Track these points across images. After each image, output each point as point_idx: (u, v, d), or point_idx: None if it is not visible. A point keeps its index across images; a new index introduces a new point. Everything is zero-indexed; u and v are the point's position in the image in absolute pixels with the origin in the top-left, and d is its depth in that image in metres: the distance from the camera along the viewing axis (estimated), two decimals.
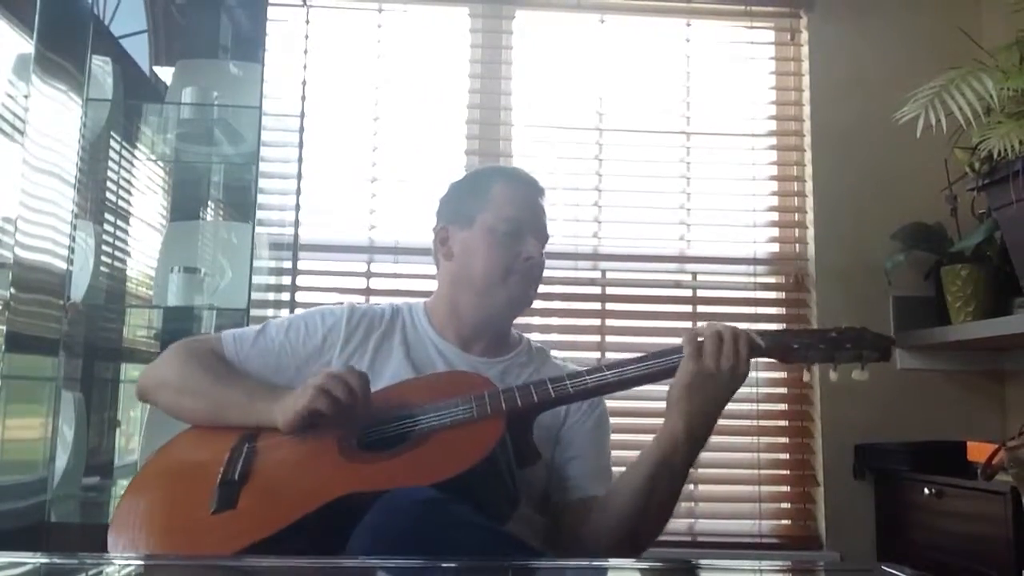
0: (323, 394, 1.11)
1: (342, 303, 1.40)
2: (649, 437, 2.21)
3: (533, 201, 1.38)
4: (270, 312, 2.30)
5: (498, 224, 1.32)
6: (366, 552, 0.91)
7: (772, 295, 2.42)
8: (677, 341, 2.33)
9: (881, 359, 1.15)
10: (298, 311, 2.27)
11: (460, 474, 1.03)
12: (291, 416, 1.13)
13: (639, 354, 1.20)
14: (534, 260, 1.33)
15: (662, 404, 2.31)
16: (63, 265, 1.92)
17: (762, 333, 1.17)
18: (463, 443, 1.09)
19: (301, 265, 2.31)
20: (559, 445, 1.33)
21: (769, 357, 1.18)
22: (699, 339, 1.12)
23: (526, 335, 1.49)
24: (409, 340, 1.35)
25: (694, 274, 2.39)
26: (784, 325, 2.36)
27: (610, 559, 1.20)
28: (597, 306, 2.36)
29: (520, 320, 2.25)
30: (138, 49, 2.32)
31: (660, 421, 2.19)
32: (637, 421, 2.15)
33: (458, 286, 1.36)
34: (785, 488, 2.31)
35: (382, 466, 1.08)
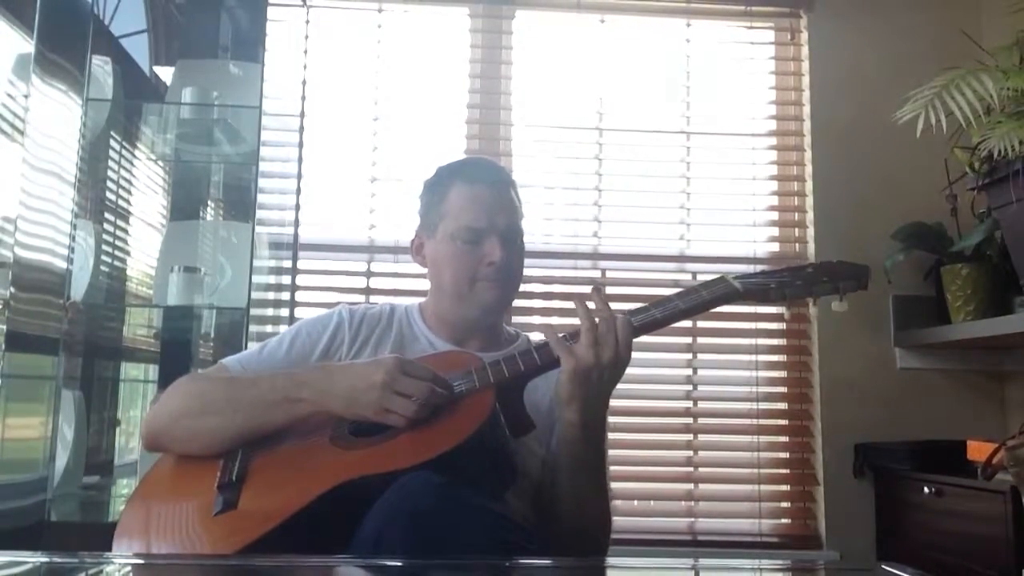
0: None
1: (336, 307, 1.38)
2: (649, 437, 2.20)
3: (494, 198, 1.32)
4: (270, 311, 2.30)
5: (457, 233, 1.29)
6: (378, 533, 0.92)
7: None
8: (676, 339, 2.31)
9: (859, 288, 1.15)
10: (297, 311, 2.29)
11: (457, 447, 1.04)
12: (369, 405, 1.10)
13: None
14: (498, 264, 1.29)
15: (663, 403, 2.30)
16: (63, 264, 1.92)
17: (738, 277, 1.18)
18: (456, 418, 1.10)
19: (301, 265, 2.32)
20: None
21: (748, 300, 1.17)
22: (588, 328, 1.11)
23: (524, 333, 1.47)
24: (406, 339, 1.36)
25: (694, 274, 2.39)
26: (784, 324, 2.36)
27: (610, 559, 1.20)
28: None
29: (521, 320, 2.26)
30: (138, 49, 2.32)
31: (659, 420, 2.19)
32: (637, 421, 2.14)
33: (437, 293, 1.37)
34: (785, 488, 2.31)
35: (376, 450, 1.08)
